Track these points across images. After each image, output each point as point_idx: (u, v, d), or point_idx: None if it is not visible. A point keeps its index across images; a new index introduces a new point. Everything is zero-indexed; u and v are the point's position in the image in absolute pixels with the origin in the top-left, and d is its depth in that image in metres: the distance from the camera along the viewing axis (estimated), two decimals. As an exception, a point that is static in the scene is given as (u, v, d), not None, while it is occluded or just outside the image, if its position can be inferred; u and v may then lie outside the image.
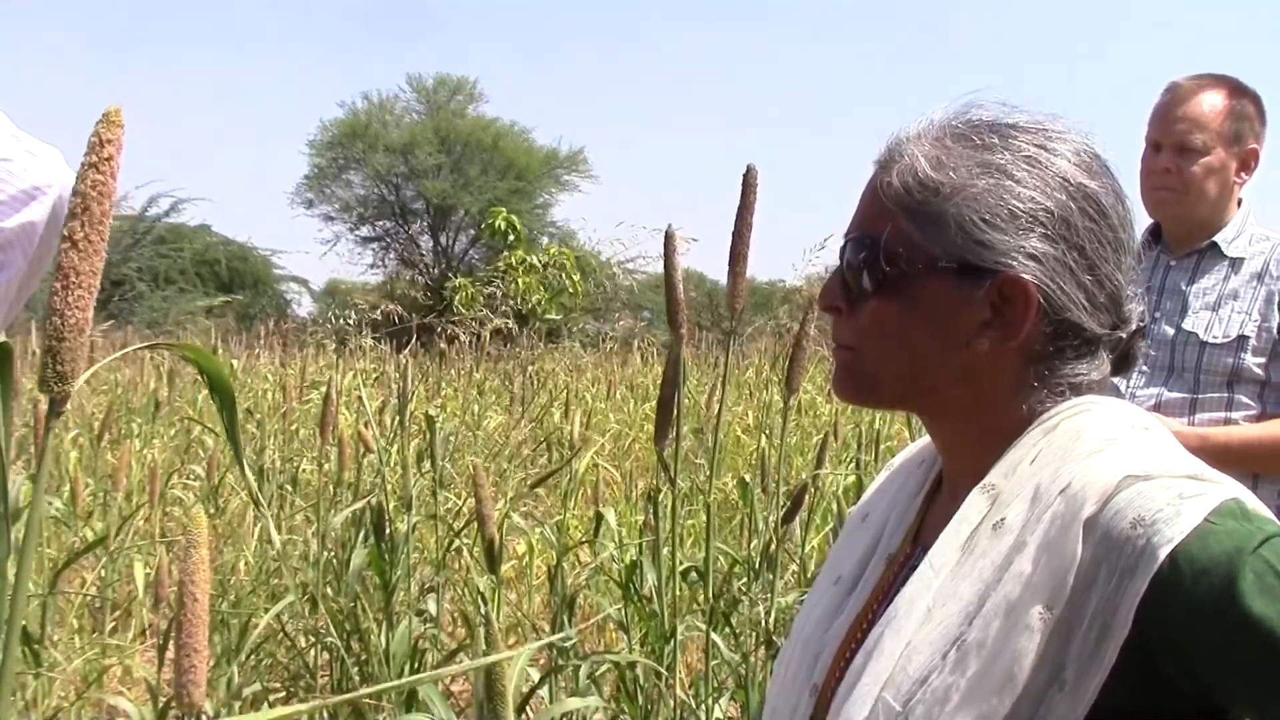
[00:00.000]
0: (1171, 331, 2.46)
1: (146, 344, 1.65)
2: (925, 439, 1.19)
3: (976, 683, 0.91)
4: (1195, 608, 0.87)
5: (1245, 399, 2.41)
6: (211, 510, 5.24)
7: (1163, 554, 0.87)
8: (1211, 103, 2.46)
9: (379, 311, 11.79)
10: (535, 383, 10.57)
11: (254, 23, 59.38)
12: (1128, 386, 2.41)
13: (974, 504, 0.99)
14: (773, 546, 3.09)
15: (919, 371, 1.06)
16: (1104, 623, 0.88)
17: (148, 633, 4.61)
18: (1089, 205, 1.03)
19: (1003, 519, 0.96)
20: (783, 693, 1.13)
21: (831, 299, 1.10)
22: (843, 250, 1.09)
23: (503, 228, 20.09)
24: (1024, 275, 1.00)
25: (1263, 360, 2.40)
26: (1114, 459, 0.95)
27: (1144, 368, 2.46)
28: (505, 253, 18.35)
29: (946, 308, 1.03)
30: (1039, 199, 1.01)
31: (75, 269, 0.94)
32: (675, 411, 2.40)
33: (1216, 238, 2.50)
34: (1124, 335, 1.06)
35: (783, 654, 1.18)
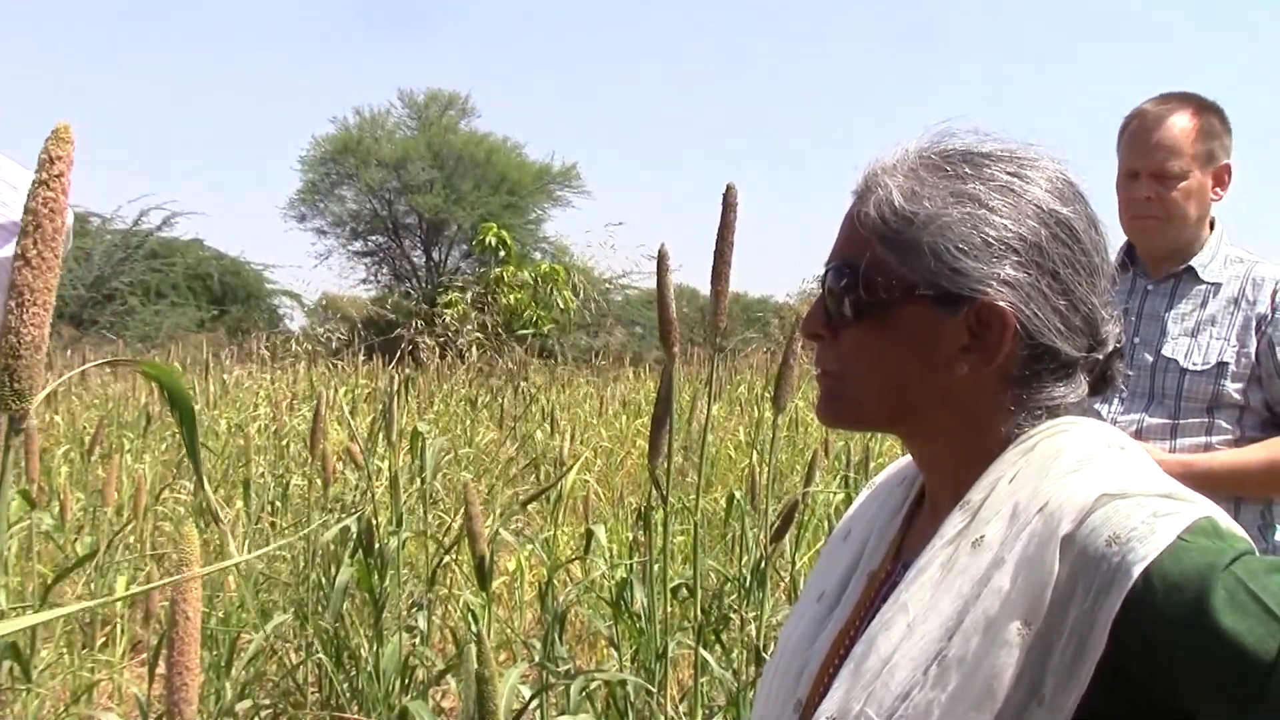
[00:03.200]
0: (1151, 358, 2.46)
1: (104, 360, 1.65)
2: (906, 458, 1.21)
3: (957, 698, 0.92)
4: (1168, 623, 0.89)
5: (1224, 424, 2.42)
6: (200, 525, 5.22)
7: (1137, 571, 0.89)
8: (1181, 125, 2.46)
9: (383, 333, 11.78)
10: (525, 398, 10.57)
11: (247, 38, 59.44)
12: (1109, 412, 2.41)
13: (954, 522, 1.01)
14: (763, 563, 3.09)
15: (900, 395, 1.08)
16: (1081, 638, 0.90)
17: (137, 648, 4.60)
18: (1062, 231, 1.04)
19: (982, 536, 0.98)
20: (767, 708, 1.14)
21: (814, 326, 1.12)
22: (823, 278, 1.11)
23: (493, 243, 20.07)
24: (999, 301, 1.02)
25: (1241, 385, 2.41)
26: (1091, 478, 0.97)
27: (1124, 394, 2.46)
28: (496, 268, 18.34)
29: (925, 333, 1.05)
30: (1012, 226, 1.03)
31: (29, 286, 0.94)
32: (669, 429, 2.41)
33: (1193, 262, 2.51)
34: (1100, 357, 1.08)
35: (767, 669, 1.20)
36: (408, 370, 10.92)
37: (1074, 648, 0.90)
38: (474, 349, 12.08)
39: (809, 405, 9.35)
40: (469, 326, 13.24)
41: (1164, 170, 2.45)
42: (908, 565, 1.04)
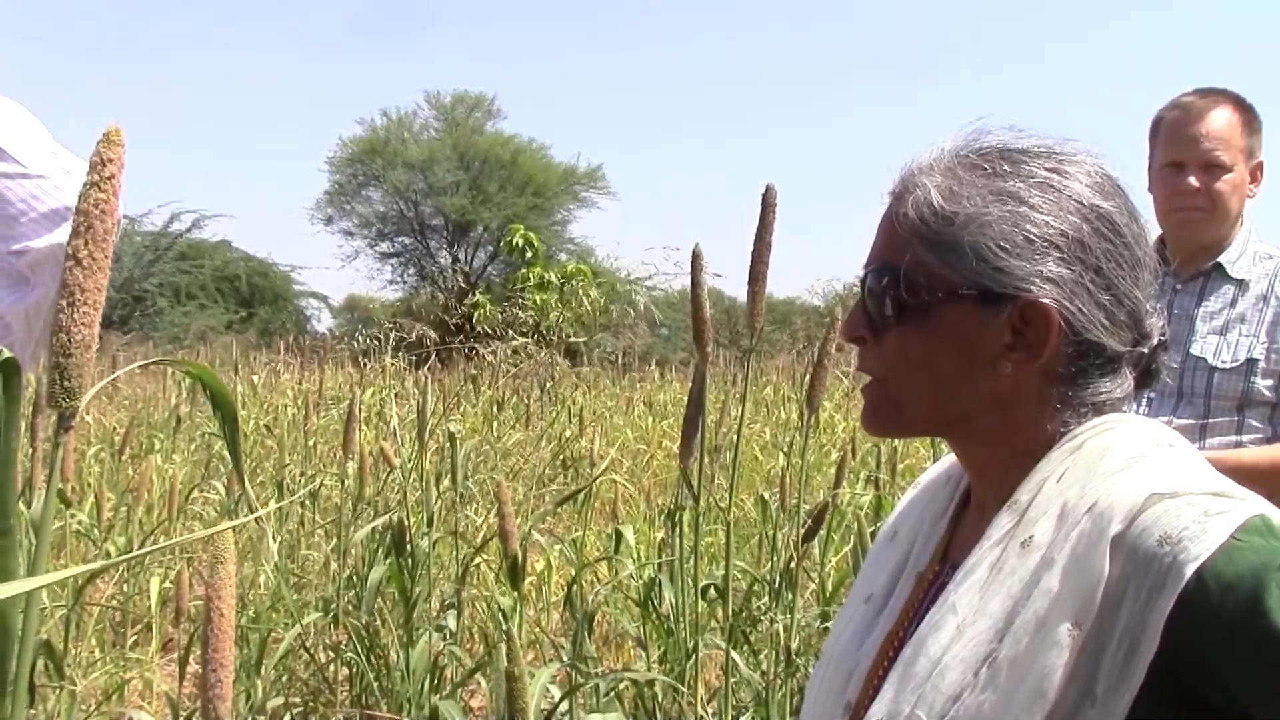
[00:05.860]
0: (1179, 357, 2.43)
1: (153, 360, 1.66)
2: (950, 457, 1.20)
3: (1008, 699, 0.92)
4: (1222, 623, 0.88)
5: (1255, 422, 2.39)
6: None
7: (1189, 571, 0.88)
8: (1227, 117, 2.43)
9: (411, 334, 11.81)
10: (553, 399, 10.58)
11: (274, 40, 59.78)
12: (1136, 413, 2.37)
13: (1001, 522, 1.00)
14: (792, 565, 3.09)
15: (945, 397, 1.07)
16: (1133, 639, 0.89)
17: (168, 646, 4.63)
18: (1104, 225, 1.04)
19: (1031, 536, 0.97)
20: (816, 710, 1.14)
21: (855, 330, 1.11)
22: (863, 281, 1.10)
23: (520, 244, 20.12)
24: (1043, 299, 1.01)
25: (1271, 383, 2.38)
26: (1140, 477, 0.96)
27: (1150, 394, 2.43)
28: (523, 269, 18.37)
29: (969, 334, 1.04)
30: (1053, 223, 1.02)
31: (80, 286, 0.95)
32: (700, 430, 2.41)
33: (1221, 259, 2.47)
34: (1145, 350, 1.07)
35: (816, 672, 1.20)
36: (441, 372, 10.97)
37: (1125, 649, 0.89)
38: (508, 353, 12.09)
39: (835, 407, 9.33)
40: (512, 331, 13.26)
41: (1213, 161, 2.41)
42: (955, 566, 1.04)
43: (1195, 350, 2.43)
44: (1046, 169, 1.05)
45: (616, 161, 62.71)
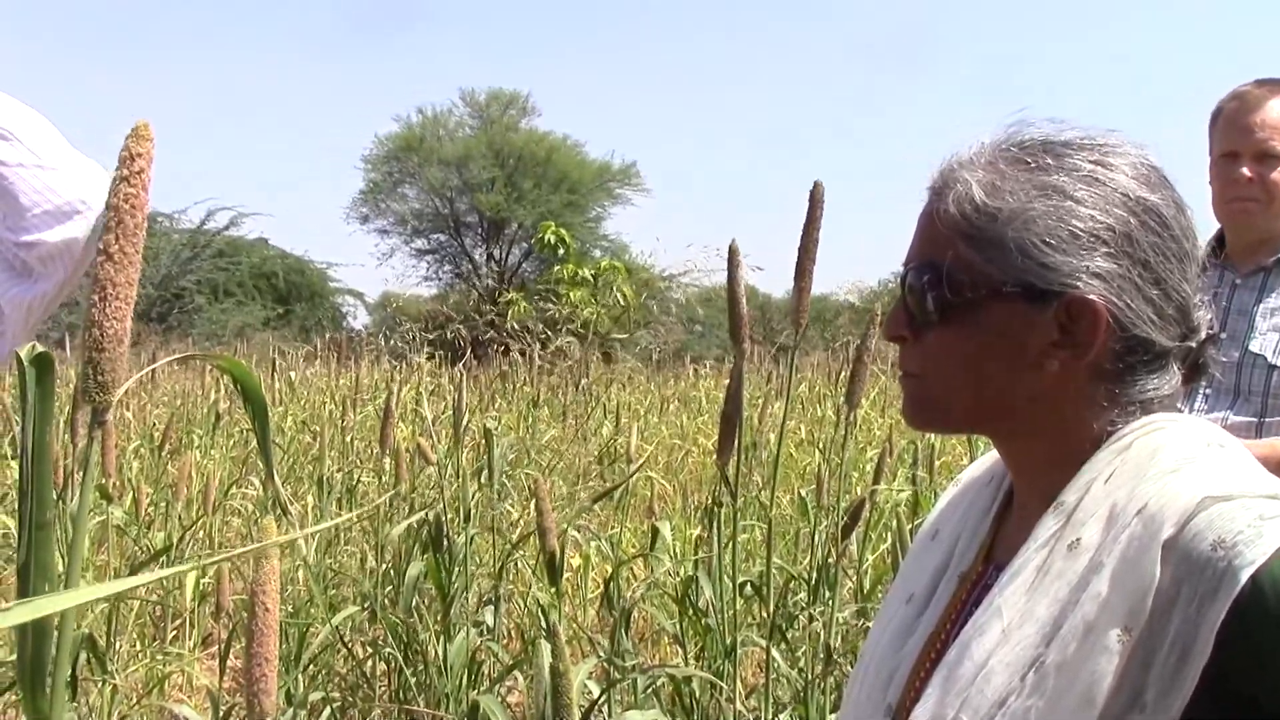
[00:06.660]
0: (1237, 354, 2.38)
1: (185, 354, 1.67)
2: (991, 455, 1.19)
3: (1055, 705, 0.90)
4: (1278, 629, 0.86)
5: None
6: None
7: (1244, 576, 0.86)
8: None
9: (444, 331, 11.88)
10: (588, 397, 10.59)
11: (310, 38, 60.13)
12: (1191, 410, 2.33)
13: (1047, 524, 0.98)
14: (831, 562, 3.07)
15: (988, 395, 1.05)
16: (1184, 645, 0.87)
17: (207, 641, 4.66)
18: (1150, 218, 1.02)
19: (1078, 539, 0.95)
20: (857, 713, 1.12)
21: (897, 328, 1.10)
22: (904, 278, 1.08)
23: (552, 241, 20.12)
24: (1090, 295, 0.99)
25: None
26: (1192, 479, 0.94)
27: (1206, 390, 2.39)
28: (556, 266, 18.39)
29: (1013, 331, 1.02)
30: (1099, 217, 1.00)
31: (112, 281, 0.95)
32: (739, 427, 2.40)
33: None
34: (1193, 345, 1.05)
35: (855, 673, 1.18)
36: (477, 369, 11.02)
37: (1177, 655, 0.87)
38: (543, 350, 12.12)
39: (870, 404, 9.30)
40: (548, 328, 13.29)
41: (1268, 151, 2.37)
42: (999, 567, 1.02)
43: (1254, 347, 2.38)
44: (1090, 161, 1.03)
45: (650, 158, 62.74)
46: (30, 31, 54.37)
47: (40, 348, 0.95)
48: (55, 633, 0.93)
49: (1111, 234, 1.00)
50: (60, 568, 1.11)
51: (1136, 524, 0.92)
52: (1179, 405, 1.07)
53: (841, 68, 66.32)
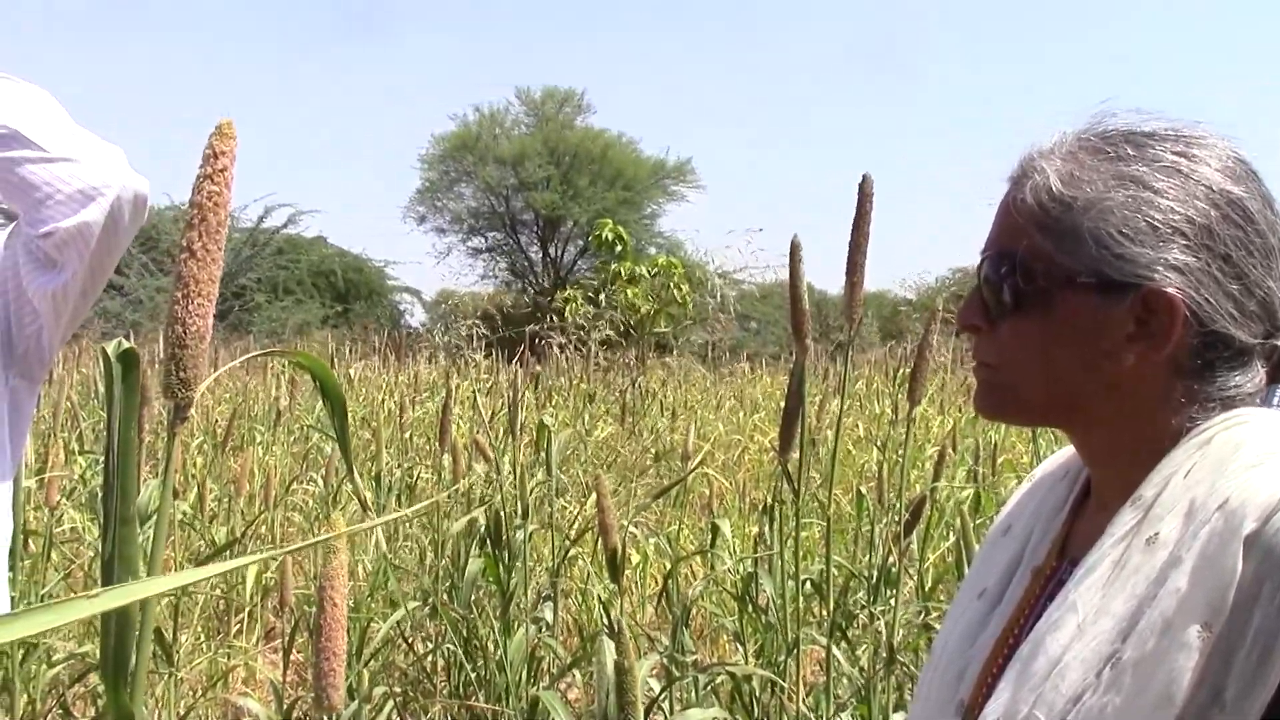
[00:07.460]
0: None
1: (265, 350, 1.68)
2: (1066, 450, 1.17)
3: (1132, 702, 0.88)
4: None
5: None
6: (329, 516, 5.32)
7: None
8: None
9: (502, 328, 11.94)
10: (644, 393, 10.60)
11: (367, 39, 60.60)
12: (1274, 406, 2.29)
13: (1125, 519, 0.97)
14: (891, 559, 3.05)
15: (1062, 387, 1.04)
16: (1266, 642, 0.85)
17: (269, 635, 4.72)
18: (1234, 212, 1.00)
19: (1156, 534, 0.93)
20: (927, 709, 1.11)
21: (971, 317, 1.09)
22: (980, 268, 1.07)
23: (609, 238, 20.14)
24: (1167, 288, 0.97)
25: None
26: (1275, 474, 0.92)
27: None
28: (613, 263, 18.40)
29: (1088, 323, 1.01)
30: (1179, 208, 0.98)
31: (194, 278, 0.96)
32: (800, 423, 2.39)
33: None
34: (1278, 343, 1.03)
35: (926, 669, 1.17)
36: (536, 367, 11.07)
37: (1259, 652, 0.85)
38: (597, 345, 12.15)
39: (928, 401, 9.22)
40: (600, 323, 13.33)
41: None
42: (1074, 563, 1.01)
43: None
44: (1174, 153, 1.01)
45: (707, 155, 62.61)
46: (111, 22, 55.30)
47: (126, 344, 0.96)
48: (138, 626, 0.94)
49: (1191, 226, 0.98)
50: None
51: (1218, 519, 0.91)
52: (1261, 404, 1.05)
53: (912, 58, 65.76)
